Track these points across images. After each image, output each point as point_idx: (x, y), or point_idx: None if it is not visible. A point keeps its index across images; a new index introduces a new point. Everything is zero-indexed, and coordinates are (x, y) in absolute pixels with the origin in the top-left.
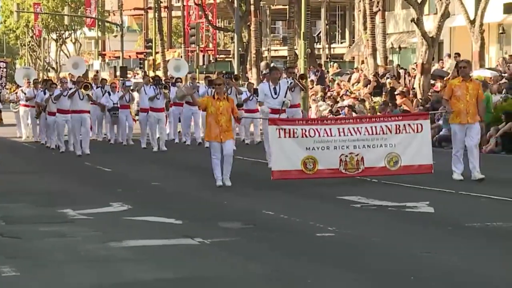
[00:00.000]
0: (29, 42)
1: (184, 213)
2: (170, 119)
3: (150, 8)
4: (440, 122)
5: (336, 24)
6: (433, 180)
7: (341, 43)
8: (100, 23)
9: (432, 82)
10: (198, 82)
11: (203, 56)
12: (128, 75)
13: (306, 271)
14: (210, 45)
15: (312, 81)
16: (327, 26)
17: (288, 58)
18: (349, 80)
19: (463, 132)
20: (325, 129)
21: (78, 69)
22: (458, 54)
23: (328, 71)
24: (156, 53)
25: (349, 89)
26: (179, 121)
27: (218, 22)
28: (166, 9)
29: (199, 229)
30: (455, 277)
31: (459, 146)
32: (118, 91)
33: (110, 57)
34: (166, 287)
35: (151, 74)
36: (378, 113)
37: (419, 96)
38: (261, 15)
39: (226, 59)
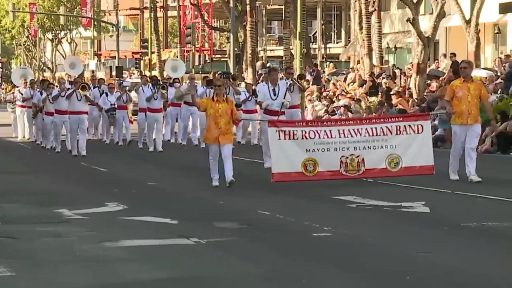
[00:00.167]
0: (25, 42)
1: (180, 213)
2: (167, 119)
3: (146, 8)
4: (436, 122)
5: (332, 24)
6: (429, 180)
7: (337, 43)
8: (95, 23)
9: (428, 82)
10: (196, 83)
11: (199, 56)
12: (124, 75)
13: (302, 271)
14: (206, 45)
15: (308, 81)
16: (323, 26)
17: (284, 58)
18: (345, 80)
19: (464, 133)
20: (325, 131)
21: (75, 69)
22: (453, 54)
23: (324, 71)
24: (152, 53)
25: (345, 89)
26: (177, 121)
27: (214, 22)
28: (162, 9)
29: (195, 229)
30: (451, 277)
31: (459, 146)
32: (115, 92)
33: (105, 57)
34: (161, 287)
35: (147, 74)
36: (374, 113)
37: (414, 96)
38: (257, 15)
39: (222, 59)
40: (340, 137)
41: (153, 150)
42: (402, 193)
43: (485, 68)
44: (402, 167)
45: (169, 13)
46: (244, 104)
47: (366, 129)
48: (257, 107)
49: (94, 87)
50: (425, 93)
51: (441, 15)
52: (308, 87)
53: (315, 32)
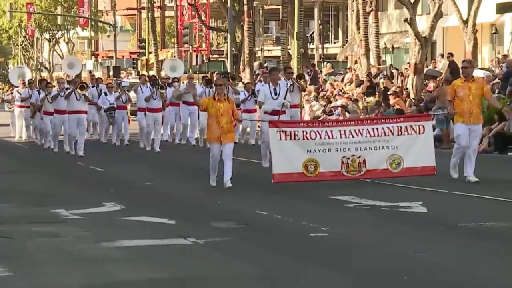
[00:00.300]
0: (22, 42)
1: (177, 213)
2: (165, 119)
3: (143, 8)
4: (433, 122)
5: (329, 24)
6: (426, 180)
7: (334, 43)
8: (93, 23)
9: (425, 82)
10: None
11: (197, 56)
12: (121, 75)
13: (299, 271)
14: (203, 45)
15: (305, 81)
16: (320, 26)
17: (281, 58)
18: (342, 80)
19: (467, 131)
20: (326, 131)
21: (73, 69)
22: (451, 54)
23: (321, 71)
24: (150, 53)
25: (342, 89)
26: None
27: (211, 22)
28: (159, 9)
29: (192, 229)
30: (448, 277)
31: (465, 143)
32: (114, 92)
33: (103, 57)
34: (159, 287)
35: (145, 74)
36: (370, 114)
37: (412, 96)
38: (254, 15)
39: (219, 59)
40: (341, 137)
41: (150, 150)
42: (399, 193)
43: (482, 68)
44: (403, 167)
45: (167, 13)
46: (243, 104)
47: (368, 129)
48: (257, 106)
49: (93, 87)
50: (423, 93)
51: (439, 15)
52: (306, 87)
53: (313, 32)
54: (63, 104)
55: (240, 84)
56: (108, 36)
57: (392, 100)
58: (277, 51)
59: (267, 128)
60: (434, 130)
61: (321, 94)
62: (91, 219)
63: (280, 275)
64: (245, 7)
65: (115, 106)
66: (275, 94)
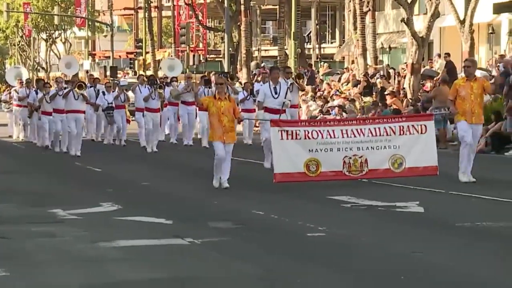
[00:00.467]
0: (19, 42)
1: (174, 213)
2: (163, 118)
3: (140, 8)
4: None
5: (326, 24)
6: (424, 180)
7: (331, 43)
8: (90, 23)
9: (422, 82)
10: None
11: (193, 56)
12: (119, 75)
13: (297, 271)
14: (200, 45)
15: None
16: (317, 26)
17: (278, 58)
18: (339, 80)
19: (470, 128)
20: (328, 131)
21: (71, 68)
22: (448, 54)
23: (318, 71)
24: (147, 53)
25: (339, 89)
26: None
27: (208, 22)
28: (156, 9)
29: (189, 229)
30: (446, 276)
31: (469, 141)
32: (112, 91)
33: (100, 57)
34: (156, 287)
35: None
36: (366, 114)
37: (409, 96)
38: (251, 15)
39: (217, 59)
40: (343, 137)
41: (151, 151)
42: (396, 193)
43: (479, 68)
44: (405, 167)
45: (164, 13)
46: (242, 104)
47: (369, 129)
48: (256, 106)
49: (90, 87)
50: (419, 93)
51: (435, 15)
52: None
53: (310, 32)
54: (61, 104)
55: (237, 84)
56: (105, 36)
57: (389, 100)
58: (274, 51)
59: (269, 127)
60: None
61: (318, 94)
62: (88, 219)
63: (277, 275)
64: (242, 7)
65: (114, 105)
66: (275, 93)
